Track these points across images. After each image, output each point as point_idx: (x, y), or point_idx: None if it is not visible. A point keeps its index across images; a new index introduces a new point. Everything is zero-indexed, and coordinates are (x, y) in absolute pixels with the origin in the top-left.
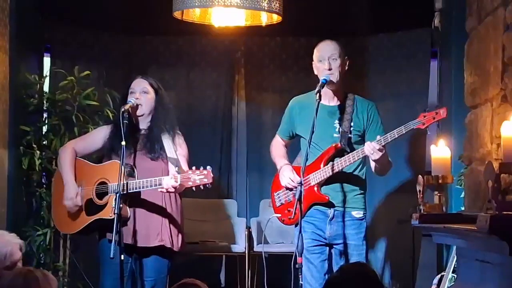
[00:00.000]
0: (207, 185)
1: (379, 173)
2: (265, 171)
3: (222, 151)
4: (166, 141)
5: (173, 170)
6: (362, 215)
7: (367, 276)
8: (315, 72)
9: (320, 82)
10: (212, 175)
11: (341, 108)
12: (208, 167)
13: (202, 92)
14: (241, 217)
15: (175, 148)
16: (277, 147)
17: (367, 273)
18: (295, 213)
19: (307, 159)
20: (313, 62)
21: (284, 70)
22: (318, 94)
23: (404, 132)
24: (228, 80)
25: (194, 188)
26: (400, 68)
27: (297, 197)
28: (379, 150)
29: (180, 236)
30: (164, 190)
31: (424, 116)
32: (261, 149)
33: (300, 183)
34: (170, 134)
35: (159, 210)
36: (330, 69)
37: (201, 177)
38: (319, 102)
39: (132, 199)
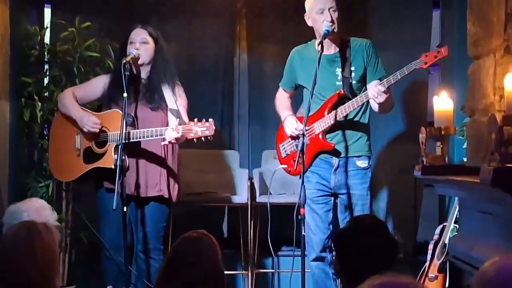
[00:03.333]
0: (209, 138)
1: (383, 112)
2: (267, 122)
3: (223, 102)
4: (166, 91)
5: (174, 121)
6: (367, 164)
7: (380, 227)
8: (310, 24)
9: (323, 33)
10: (214, 127)
11: (340, 54)
12: (210, 119)
13: (203, 43)
14: (243, 168)
15: (175, 98)
16: (281, 99)
17: (380, 224)
18: (297, 163)
19: (309, 110)
20: (306, 14)
21: (286, 20)
22: (320, 45)
23: (406, 72)
24: (229, 31)
25: (195, 140)
26: (401, 18)
27: (299, 148)
28: (384, 92)
29: (176, 186)
30: (166, 142)
31: (426, 56)
32: (263, 100)
33: (303, 134)
34: (170, 84)
35: (158, 160)
36: (332, 21)
37: (203, 129)
38: (321, 53)
39: (132, 149)
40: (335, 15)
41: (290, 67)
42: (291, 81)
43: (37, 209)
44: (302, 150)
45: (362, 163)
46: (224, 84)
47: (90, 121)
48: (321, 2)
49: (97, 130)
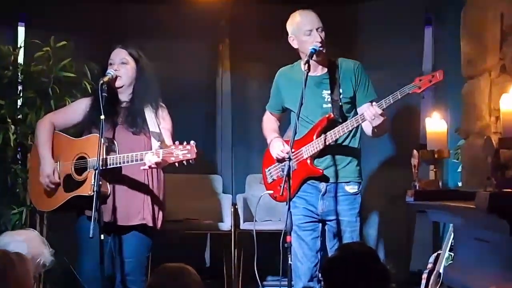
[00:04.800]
0: (191, 161)
1: (377, 136)
2: (251, 145)
3: (206, 125)
4: (149, 114)
5: (156, 145)
6: (356, 190)
7: (371, 255)
8: (295, 46)
9: (309, 52)
10: (196, 150)
11: (328, 75)
12: (192, 142)
13: (184, 63)
14: (227, 194)
15: (158, 121)
16: (268, 122)
17: (370, 252)
18: (283, 189)
19: (295, 133)
20: (290, 37)
21: (271, 39)
22: (307, 65)
23: (399, 97)
24: (211, 50)
25: (177, 164)
26: (391, 36)
27: (285, 172)
28: (381, 115)
29: (161, 214)
30: (146, 167)
31: (420, 80)
32: (247, 122)
33: (289, 158)
34: (153, 106)
35: (140, 186)
36: (321, 42)
37: (185, 152)
38: (307, 73)
39: (113, 175)
40: (323, 35)
41: (276, 89)
42: (278, 104)
43: (36, 240)
44: (288, 175)
45: (351, 188)
46: (206, 105)
47: (44, 172)
48: (308, 23)
49: (51, 185)
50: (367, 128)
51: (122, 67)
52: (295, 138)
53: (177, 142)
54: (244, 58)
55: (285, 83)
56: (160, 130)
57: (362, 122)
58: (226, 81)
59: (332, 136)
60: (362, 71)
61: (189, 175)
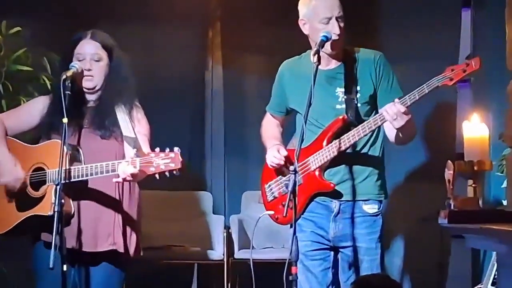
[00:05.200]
0: (175, 172)
1: (402, 142)
2: (248, 155)
3: (193, 129)
4: (121, 115)
5: (131, 152)
6: (377, 210)
7: None
8: (306, 32)
9: (319, 40)
10: (180, 158)
11: (343, 70)
12: (176, 148)
13: (167, 54)
14: (218, 215)
15: (133, 124)
16: (268, 127)
17: (393, 286)
18: (287, 209)
19: (302, 140)
20: (302, 20)
21: (271, 24)
22: (316, 56)
23: (426, 91)
24: (200, 38)
25: (157, 176)
26: (421, 21)
27: (289, 188)
28: (404, 113)
29: (135, 237)
30: (120, 180)
31: (452, 70)
32: (243, 127)
33: (294, 170)
34: (127, 106)
35: (111, 203)
36: (340, 33)
37: (167, 161)
38: (317, 66)
39: (77, 190)
40: (342, 25)
41: (279, 86)
42: (281, 104)
43: None
44: (293, 191)
45: (370, 208)
46: (193, 105)
47: (6, 173)
48: (327, 9)
49: (19, 181)
50: (390, 132)
51: (95, 65)
52: (302, 146)
53: (157, 149)
54: (239, 47)
55: (291, 79)
56: (135, 134)
57: (382, 123)
58: (217, 76)
59: (346, 141)
60: (385, 63)
61: (172, 192)
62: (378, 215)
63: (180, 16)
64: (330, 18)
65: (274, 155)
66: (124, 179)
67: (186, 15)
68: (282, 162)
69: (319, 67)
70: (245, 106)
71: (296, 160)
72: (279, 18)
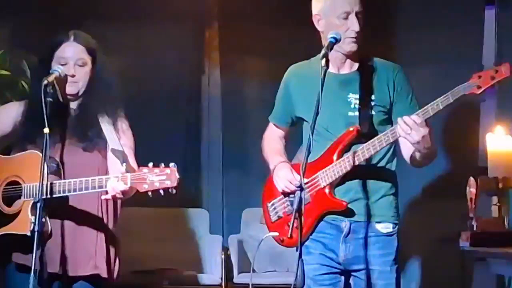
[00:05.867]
0: (170, 190)
1: (420, 162)
2: (248, 168)
3: (187, 140)
4: (106, 125)
5: (119, 166)
6: (391, 229)
7: None
8: (321, 29)
9: (328, 42)
10: (177, 175)
11: (358, 75)
12: (172, 164)
13: (158, 57)
14: (215, 234)
15: (118, 136)
16: (271, 140)
17: None
18: (293, 229)
19: (309, 152)
20: (317, 15)
21: (275, 24)
22: (325, 59)
23: (451, 101)
24: (195, 39)
25: (150, 193)
26: (440, 20)
27: (295, 205)
28: (420, 125)
29: (118, 260)
30: (109, 197)
31: (479, 77)
32: (243, 137)
33: (300, 186)
34: (111, 116)
35: (93, 223)
36: (358, 32)
37: (162, 177)
38: (326, 70)
39: (56, 207)
40: (361, 22)
41: (285, 93)
42: (286, 114)
43: None
44: (299, 210)
45: (384, 227)
46: (188, 113)
47: None
48: (347, 2)
49: None
50: (405, 151)
51: (79, 71)
52: (309, 160)
53: (150, 164)
54: (239, 49)
55: (298, 85)
56: (122, 147)
57: (394, 139)
58: (214, 81)
59: (360, 155)
60: (404, 77)
61: (163, 208)
62: (393, 235)
63: (173, 14)
64: (349, 13)
65: (290, 180)
66: (114, 197)
67: (180, 13)
68: (297, 188)
69: (331, 71)
70: (246, 115)
71: (301, 176)
72: (283, 17)
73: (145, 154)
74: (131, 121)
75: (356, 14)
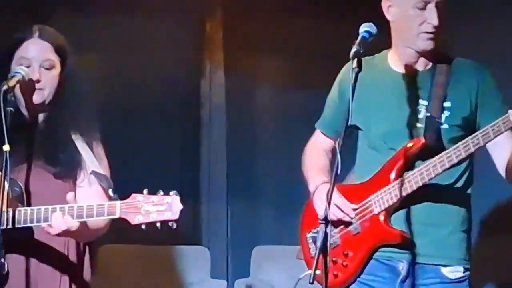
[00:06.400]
0: (170, 224)
1: None
2: (259, 196)
3: (184, 160)
4: (81, 144)
5: (99, 192)
6: (461, 275)
7: None
8: (390, 18)
9: (359, 38)
10: (180, 206)
11: (430, 75)
12: (173, 192)
13: (148, 56)
14: (218, 279)
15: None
16: (314, 153)
17: None
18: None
19: (337, 173)
20: (387, 2)
21: (293, 14)
22: (356, 60)
23: None
24: (193, 33)
25: (144, 227)
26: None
27: (318, 244)
28: None
29: None
30: (53, 232)
31: None
32: (253, 156)
33: (326, 220)
34: (85, 134)
35: (60, 261)
36: (437, 26)
37: (160, 208)
38: (358, 73)
39: (18, 240)
40: (441, 15)
41: (338, 96)
42: (338, 121)
43: None
44: (323, 248)
45: (452, 271)
46: (185, 126)
47: None
48: None
49: None
50: (501, 161)
51: (45, 75)
52: (361, 180)
53: (145, 191)
54: (247, 45)
55: (357, 86)
56: (103, 171)
57: (475, 149)
58: (217, 85)
59: (424, 175)
60: (491, 80)
61: (154, 246)
62: (464, 281)
63: (167, 2)
64: (428, 2)
65: (341, 206)
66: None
67: (175, 2)
68: (349, 219)
69: (397, 69)
70: (256, 127)
71: (327, 205)
72: (303, 5)
73: (130, 181)
74: (111, 137)
75: (437, 4)
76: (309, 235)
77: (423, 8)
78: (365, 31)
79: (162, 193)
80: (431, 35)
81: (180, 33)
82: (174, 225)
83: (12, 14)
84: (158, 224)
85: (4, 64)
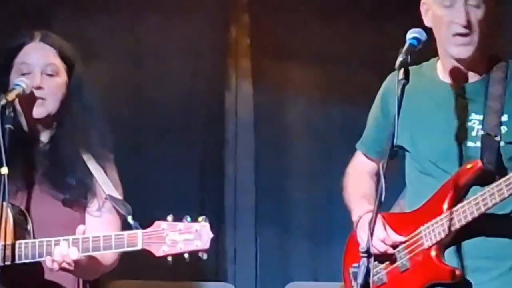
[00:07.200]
0: (200, 255)
1: None
2: (293, 225)
3: (206, 183)
4: (94, 165)
5: (115, 222)
6: None
7: None
8: (428, 24)
9: (407, 46)
10: (210, 234)
11: (484, 88)
12: (202, 218)
13: (164, 64)
14: None
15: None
16: (357, 177)
17: None
18: None
19: (380, 202)
20: (424, 5)
21: (330, 18)
22: (403, 70)
23: None
24: (217, 39)
25: (170, 259)
26: None
27: (359, 281)
28: None
29: None
30: (55, 267)
31: None
32: (284, 178)
33: (368, 252)
34: (98, 155)
35: None
36: (466, 26)
37: (190, 236)
38: (404, 85)
39: (20, 277)
40: (478, 15)
41: (381, 112)
42: (382, 140)
43: None
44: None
45: None
46: (207, 144)
47: None
48: None
49: None
50: None
51: (48, 82)
52: (410, 209)
53: (170, 218)
54: (277, 53)
55: (406, 101)
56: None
57: None
58: (244, 97)
59: (481, 204)
60: None
61: (172, 283)
62: None
63: (186, 4)
64: (455, 0)
65: (382, 238)
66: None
67: (196, 2)
68: (392, 251)
69: (444, 80)
70: (288, 146)
71: (369, 237)
72: (340, 7)
73: (146, 207)
74: (123, 158)
75: (466, 1)
76: (352, 270)
77: (450, 6)
78: (413, 38)
79: (189, 219)
80: (464, 40)
81: (202, 40)
82: (205, 256)
83: (10, 23)
84: (186, 255)
85: (3, 74)
